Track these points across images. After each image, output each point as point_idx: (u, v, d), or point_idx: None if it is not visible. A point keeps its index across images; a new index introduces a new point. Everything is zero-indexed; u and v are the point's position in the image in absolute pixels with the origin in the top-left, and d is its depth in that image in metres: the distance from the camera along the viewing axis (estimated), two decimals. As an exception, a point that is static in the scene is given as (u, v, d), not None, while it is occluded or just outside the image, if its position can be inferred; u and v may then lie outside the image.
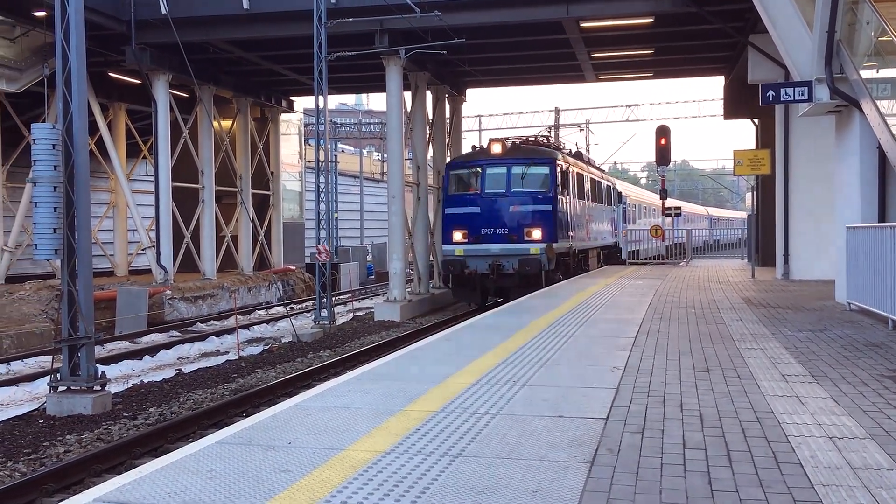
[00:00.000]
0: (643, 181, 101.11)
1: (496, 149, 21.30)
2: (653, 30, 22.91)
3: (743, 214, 77.14)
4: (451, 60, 24.78)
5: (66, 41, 10.78)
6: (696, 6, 19.44)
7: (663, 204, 30.05)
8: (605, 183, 29.40)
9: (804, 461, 4.46)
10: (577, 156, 26.73)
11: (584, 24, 22.29)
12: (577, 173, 23.74)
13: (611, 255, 29.90)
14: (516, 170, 20.94)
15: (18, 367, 16.33)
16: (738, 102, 26.36)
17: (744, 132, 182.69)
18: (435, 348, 8.78)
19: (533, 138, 24.69)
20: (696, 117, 70.92)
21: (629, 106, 61.47)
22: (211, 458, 4.63)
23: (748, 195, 45.23)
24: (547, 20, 21.36)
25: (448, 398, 6.12)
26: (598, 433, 5.07)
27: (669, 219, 34.25)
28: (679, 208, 34.44)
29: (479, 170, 21.34)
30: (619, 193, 32.26)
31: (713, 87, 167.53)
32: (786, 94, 13.21)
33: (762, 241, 24.51)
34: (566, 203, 21.87)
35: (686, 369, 7.37)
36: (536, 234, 20.28)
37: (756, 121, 27.67)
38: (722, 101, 30.04)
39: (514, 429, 5.18)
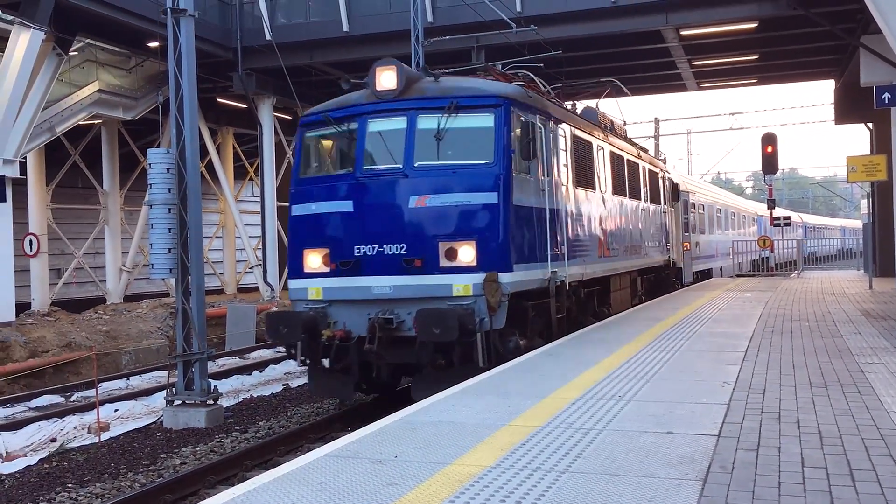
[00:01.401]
0: (748, 191, 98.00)
1: (387, 81, 10.24)
2: (756, 35, 22.25)
3: (846, 222, 73.59)
4: (547, 74, 24.67)
5: (179, 70, 11.28)
6: (802, 9, 18.78)
7: (771, 214, 29.01)
8: (646, 167, 18.38)
9: (936, 482, 4.20)
10: (590, 116, 15.22)
11: (684, 32, 21.86)
12: (581, 140, 12.96)
13: (661, 281, 20.16)
14: (425, 122, 10.06)
15: (137, 381, 17.09)
16: (850, 106, 25.26)
17: (857, 137, 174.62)
18: (537, 363, 8.70)
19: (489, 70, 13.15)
20: (804, 123, 68.58)
21: (732, 114, 60.02)
22: (320, 471, 4.72)
23: (863, 202, 43.19)
24: (645, 30, 21.05)
25: (553, 413, 6.05)
26: (710, 450, 4.91)
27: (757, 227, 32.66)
28: (788, 218, 33.19)
29: (353, 126, 10.40)
30: (676, 187, 22.43)
31: (822, 91, 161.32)
32: (902, 95, 12.58)
33: (880, 250, 23.34)
34: (543, 190, 10.87)
35: (802, 384, 7.06)
36: (465, 254, 9.62)
37: (870, 125, 26.45)
38: (832, 106, 28.87)
39: (621, 445, 5.08)
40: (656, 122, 46.50)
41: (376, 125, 10.26)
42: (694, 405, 6.23)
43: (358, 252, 9.88)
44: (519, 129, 10.24)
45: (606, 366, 8.22)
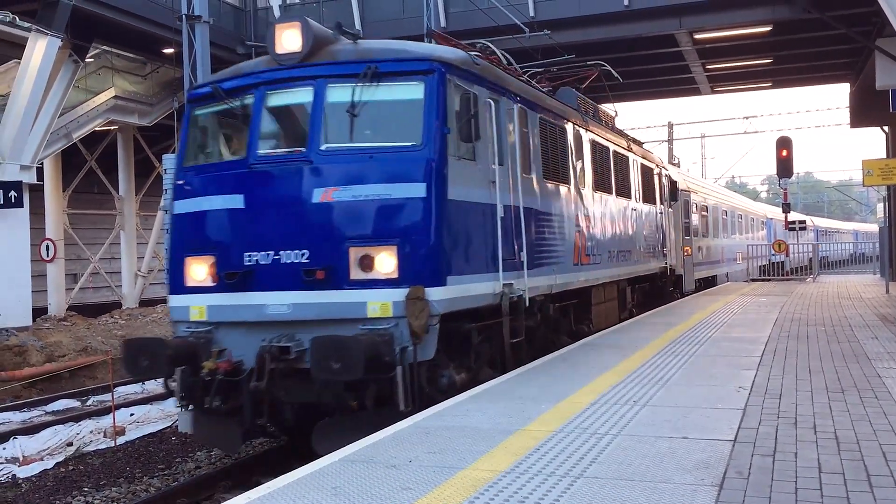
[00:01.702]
0: (763, 195, 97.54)
1: (289, 42, 8.12)
2: (771, 38, 22.17)
3: (859, 226, 72.95)
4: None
5: (194, 75, 11.38)
6: (817, 12, 18.70)
7: (786, 217, 28.86)
8: (638, 162, 16.22)
9: (955, 488, 4.16)
10: (567, 98, 12.92)
11: (698, 36, 21.80)
12: (551, 124, 10.89)
13: (657, 290, 18.05)
14: (337, 94, 7.96)
15: (152, 386, 17.17)
16: (866, 110, 25.12)
17: (873, 141, 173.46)
18: (551, 367, 8.69)
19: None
20: (819, 127, 68.21)
21: (746, 118, 59.75)
22: (335, 475, 4.73)
23: (879, 206, 42.87)
24: (659, 34, 21.01)
25: (567, 417, 6.04)
26: (725, 455, 4.88)
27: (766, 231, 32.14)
28: (804, 222, 32.95)
29: (247, 100, 8.28)
30: (675, 185, 20.01)
31: (837, 94, 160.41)
32: (919, 98, 12.50)
33: (896, 254, 23.18)
34: (494, 182, 8.72)
35: (818, 390, 7.02)
36: (384, 262, 7.58)
37: (886, 128, 26.29)
38: (847, 109, 28.71)
39: (636, 450, 5.06)
40: (670, 125, 46.39)
41: (276, 98, 8.14)
42: (709, 410, 6.20)
43: (249, 260, 7.69)
44: (459, 103, 8.07)
45: (621, 370, 8.19)
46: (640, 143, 17.89)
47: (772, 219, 40.53)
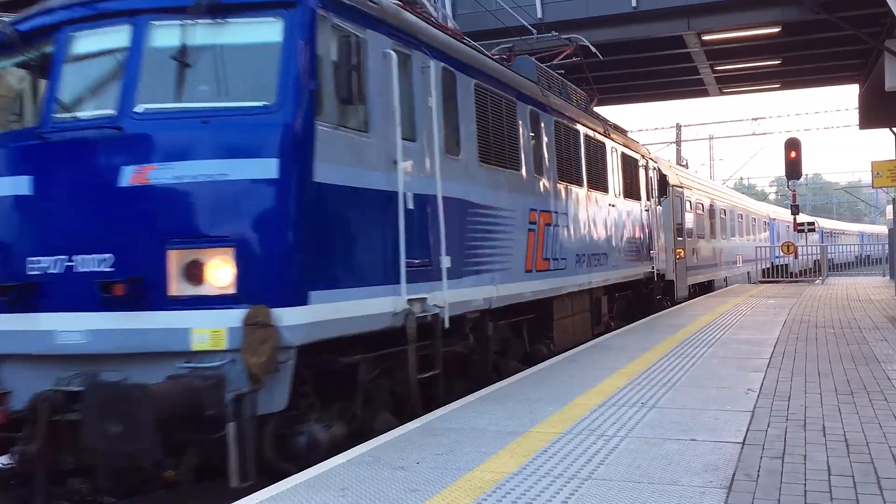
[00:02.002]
0: (772, 196, 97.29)
1: None
2: (780, 39, 22.08)
3: (864, 227, 72.57)
4: (569, 80, 24.63)
5: None
6: (826, 13, 18.63)
7: (795, 219, 28.74)
8: (618, 150, 14.36)
9: (966, 491, 4.13)
10: (524, 69, 11.08)
11: (706, 38, 21.74)
12: (493, 94, 9.01)
13: (642, 299, 16.10)
14: (162, 35, 5.71)
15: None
16: (875, 111, 25.00)
17: (882, 142, 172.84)
18: (558, 369, 8.67)
19: None
20: (827, 128, 68.02)
21: (755, 119, 59.56)
22: (342, 476, 4.72)
23: (888, 208, 42.68)
24: (666, 35, 20.96)
25: (575, 419, 6.02)
26: (734, 457, 4.86)
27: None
28: (812, 224, 32.76)
29: (48, 47, 6.00)
30: (665, 180, 18.30)
31: (846, 96, 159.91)
32: (929, 99, 12.44)
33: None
34: (396, 162, 6.67)
35: (827, 392, 6.98)
36: (217, 272, 5.37)
37: (895, 130, 26.17)
38: (857, 111, 28.60)
39: (644, 452, 5.04)
40: (678, 127, 46.30)
41: (83, 42, 5.93)
42: (718, 412, 6.18)
43: (33, 269, 5.60)
44: (338, 50, 5.98)
45: (628, 372, 8.17)
46: (623, 132, 15.89)
47: (775, 219, 39.58)
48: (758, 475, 4.51)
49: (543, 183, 10.27)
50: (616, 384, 7.51)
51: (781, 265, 29.56)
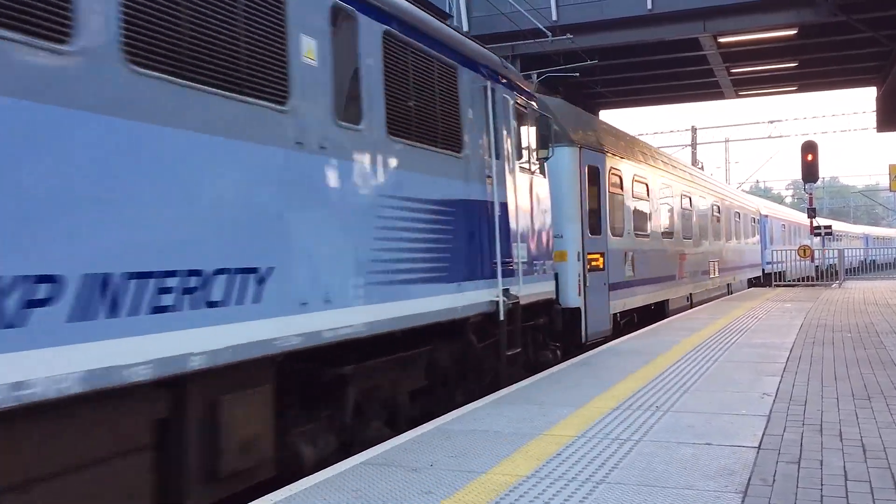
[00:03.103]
0: (788, 199, 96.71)
1: None
2: (796, 41, 21.98)
3: (869, 230, 71.82)
4: (583, 82, 24.62)
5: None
6: (843, 15, 18.53)
7: (811, 223, 28.57)
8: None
9: (985, 497, 4.09)
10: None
11: (722, 40, 21.67)
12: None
13: (472, 357, 8.06)
14: None
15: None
16: (893, 113, 24.83)
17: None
18: (573, 372, 8.65)
19: None
20: (844, 131, 67.66)
21: (771, 122, 59.25)
22: (356, 478, 4.73)
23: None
24: (682, 38, 20.91)
25: (589, 423, 6.01)
26: (749, 462, 4.83)
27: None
28: (829, 226, 32.45)
29: None
30: (548, 127, 9.87)
31: (863, 98, 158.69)
32: (948, 102, 12.33)
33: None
34: None
35: (844, 396, 6.93)
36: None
37: (913, 132, 25.99)
38: (874, 113, 28.40)
39: (658, 456, 5.02)
40: (693, 130, 46.10)
41: None
42: (733, 416, 6.14)
43: None
44: None
45: (642, 376, 8.14)
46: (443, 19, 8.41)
47: (766, 215, 32.33)
48: (774, 480, 4.48)
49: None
50: (630, 387, 7.49)
51: (776, 272, 27.82)
